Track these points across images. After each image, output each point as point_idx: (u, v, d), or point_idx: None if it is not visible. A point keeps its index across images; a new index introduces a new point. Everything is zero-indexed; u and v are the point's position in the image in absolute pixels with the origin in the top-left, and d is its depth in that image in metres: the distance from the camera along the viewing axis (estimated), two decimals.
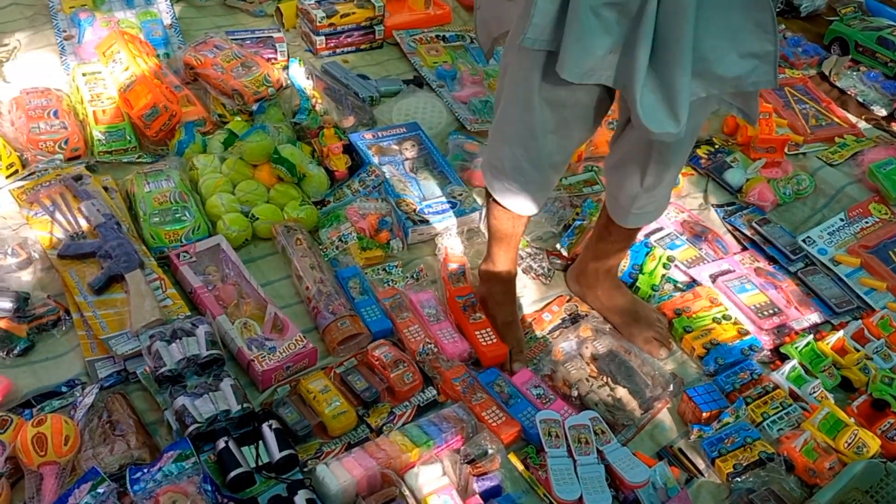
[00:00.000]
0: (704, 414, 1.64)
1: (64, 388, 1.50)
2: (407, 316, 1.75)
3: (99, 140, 2.02)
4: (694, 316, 1.86)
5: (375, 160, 2.09)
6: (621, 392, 1.66)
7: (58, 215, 1.79)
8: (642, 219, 1.68)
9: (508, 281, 1.77)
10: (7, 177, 1.90)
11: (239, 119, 2.14)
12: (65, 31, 2.36)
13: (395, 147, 2.15)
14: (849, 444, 1.62)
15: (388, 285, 1.84)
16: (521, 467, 1.48)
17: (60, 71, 2.28)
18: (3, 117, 2.04)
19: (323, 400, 1.54)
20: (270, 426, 1.44)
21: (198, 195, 1.92)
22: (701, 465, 1.61)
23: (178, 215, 1.84)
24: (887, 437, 1.67)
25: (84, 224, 1.77)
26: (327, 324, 1.69)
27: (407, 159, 2.13)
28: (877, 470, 1.56)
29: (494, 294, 1.76)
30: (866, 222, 2.33)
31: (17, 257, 1.70)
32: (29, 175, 1.91)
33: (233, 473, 1.35)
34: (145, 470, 1.31)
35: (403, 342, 1.71)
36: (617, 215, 1.66)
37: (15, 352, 1.55)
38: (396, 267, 1.89)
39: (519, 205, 1.59)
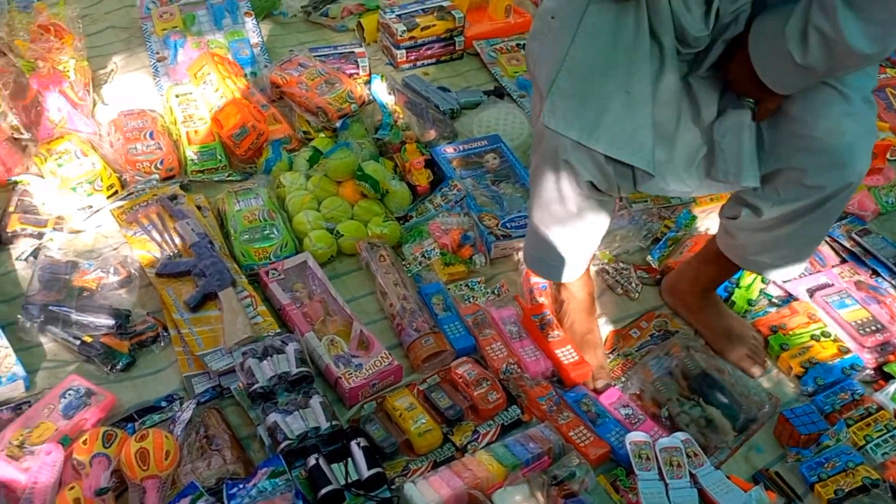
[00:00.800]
0: (802, 436, 1.57)
1: (163, 403, 1.56)
2: (489, 333, 1.75)
3: (192, 160, 2.10)
4: (791, 333, 1.79)
5: (457, 174, 2.09)
6: (714, 413, 1.61)
7: (154, 234, 1.87)
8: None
9: (585, 297, 1.74)
10: (108, 197, 1.99)
11: (323, 136, 2.19)
12: (158, 53, 2.46)
13: (478, 160, 2.15)
14: None
15: (471, 301, 1.84)
16: (610, 490, 1.46)
17: (154, 92, 2.38)
18: (102, 139, 2.14)
19: (409, 417, 1.55)
20: (359, 444, 1.46)
21: (285, 212, 1.97)
22: (799, 489, 1.55)
23: (266, 233, 1.88)
24: None
25: (179, 242, 1.83)
26: (411, 341, 1.70)
27: (489, 172, 2.13)
28: None
29: (572, 311, 1.73)
30: None
31: (118, 275, 1.78)
32: (127, 195, 1.99)
33: (324, 490, 1.38)
34: (241, 486, 1.35)
35: (486, 360, 1.71)
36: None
37: (118, 367, 1.62)
38: (479, 283, 1.89)
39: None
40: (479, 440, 1.56)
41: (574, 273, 1.64)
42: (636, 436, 1.51)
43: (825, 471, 1.53)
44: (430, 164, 2.11)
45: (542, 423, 1.58)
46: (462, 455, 1.52)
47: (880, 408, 1.67)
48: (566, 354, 1.69)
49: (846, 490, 1.50)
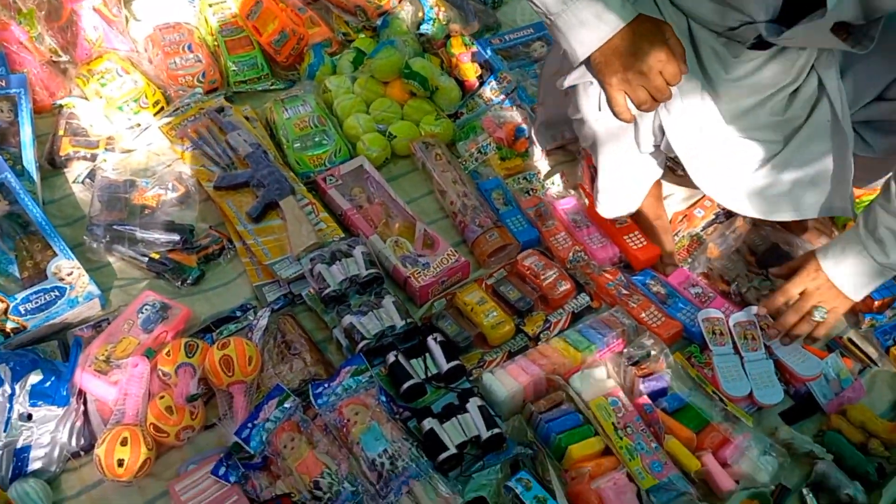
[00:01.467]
0: (876, 302, 1.57)
1: (238, 313, 1.59)
2: (553, 224, 1.74)
3: (233, 70, 2.06)
4: (859, 200, 1.75)
5: (505, 66, 2.04)
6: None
7: (207, 148, 1.86)
8: None
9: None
10: (154, 114, 1.98)
11: (364, 36, 2.13)
12: None
13: (525, 49, 2.09)
14: None
15: (531, 194, 1.82)
16: (686, 365, 1.47)
17: (186, 3, 2.32)
18: (141, 56, 2.11)
19: (480, 311, 1.56)
20: (436, 339, 1.48)
21: (335, 117, 1.94)
22: (874, 354, 1.55)
23: (318, 139, 1.87)
24: None
25: (233, 154, 1.83)
26: (476, 237, 1.70)
27: (537, 62, 2.07)
28: None
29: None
30: None
31: (176, 192, 1.78)
32: (174, 111, 1.97)
33: (406, 385, 1.41)
34: (326, 385, 1.38)
35: (551, 250, 1.71)
36: None
37: (189, 281, 1.64)
38: (537, 175, 1.87)
39: None
40: (552, 329, 1.58)
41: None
42: (708, 312, 1.52)
43: None
44: (477, 57, 2.06)
45: (613, 308, 1.59)
46: (535, 344, 1.54)
47: None
48: (634, 240, 1.68)
49: None
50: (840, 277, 1.37)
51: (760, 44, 1.27)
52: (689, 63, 1.26)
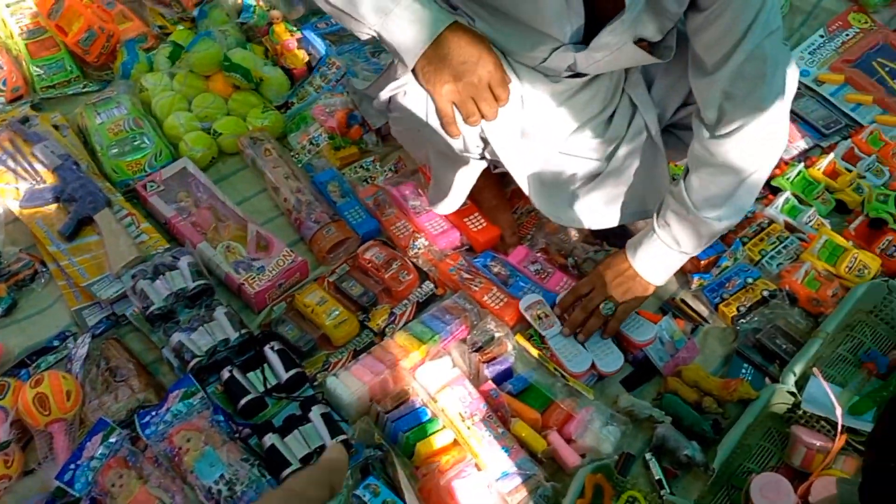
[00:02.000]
0: (702, 262, 1.63)
1: (56, 342, 1.47)
2: (392, 212, 1.70)
3: (39, 75, 1.90)
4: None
5: (334, 50, 1.97)
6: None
7: (10, 164, 1.70)
8: None
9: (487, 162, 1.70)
10: None
11: (181, 28, 2.01)
12: None
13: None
14: (850, 269, 1.62)
15: (368, 183, 1.78)
16: (528, 346, 1.48)
17: None
18: None
19: (322, 312, 1.51)
20: (273, 348, 1.42)
21: (153, 118, 1.82)
22: (705, 312, 1.61)
23: (136, 143, 1.75)
24: (887, 254, 1.67)
25: (41, 168, 1.68)
26: (312, 233, 1.64)
27: (367, 44, 2.01)
28: (879, 289, 1.56)
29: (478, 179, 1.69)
30: (847, 35, 2.25)
31: None
32: None
33: (243, 401, 1.35)
34: (154, 413, 1.30)
35: (393, 240, 1.67)
36: None
37: None
38: (374, 162, 1.82)
39: None
40: (397, 321, 1.55)
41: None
42: (528, 301, 1.52)
43: (727, 290, 1.60)
44: (304, 43, 1.98)
45: (457, 293, 1.57)
46: (381, 339, 1.51)
47: (771, 221, 1.73)
48: (473, 222, 1.67)
49: (748, 305, 1.57)
50: (640, 263, 1.44)
51: (575, 74, 1.33)
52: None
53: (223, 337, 1.42)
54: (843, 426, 1.35)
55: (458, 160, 1.37)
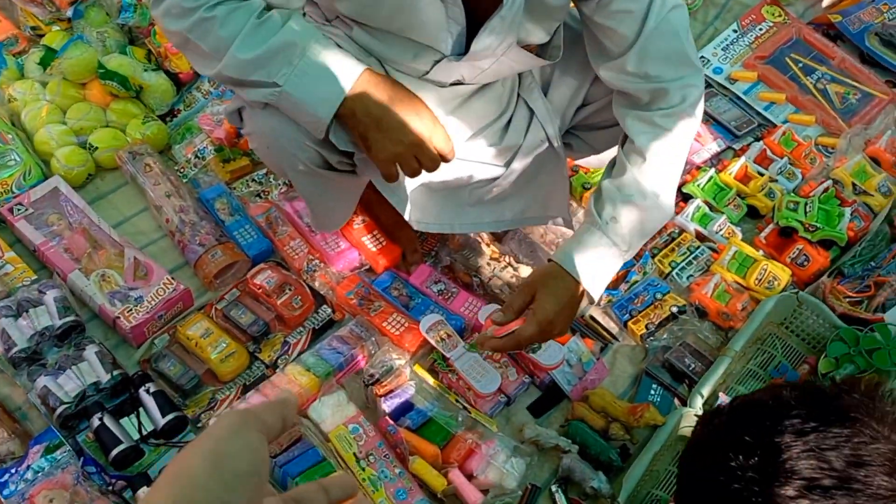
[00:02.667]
0: None
1: None
2: (286, 231, 1.59)
3: None
4: (591, 172, 1.74)
5: None
6: (525, 271, 1.56)
7: None
8: None
9: None
10: None
11: (56, 29, 1.84)
12: None
13: None
14: (759, 281, 1.58)
15: (261, 198, 1.66)
16: (426, 376, 1.40)
17: None
18: None
19: (207, 345, 1.40)
20: (148, 390, 1.31)
21: (22, 132, 1.67)
22: (615, 329, 1.56)
23: (3, 161, 1.59)
24: (797, 263, 1.64)
25: None
26: (197, 258, 1.52)
27: None
28: (789, 302, 1.53)
29: (372, 194, 1.60)
30: (760, 29, 2.21)
31: None
32: None
33: (114, 452, 1.24)
34: (13, 471, 1.18)
35: (287, 261, 1.57)
36: None
37: None
38: (267, 175, 1.70)
39: None
40: (291, 351, 1.45)
41: None
42: (428, 322, 1.43)
43: (635, 307, 1.54)
44: None
45: (354, 319, 1.48)
46: (274, 372, 1.41)
47: (682, 230, 1.68)
48: (373, 241, 1.57)
49: (656, 322, 1.52)
50: (586, 274, 1.22)
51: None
52: None
53: (93, 380, 1.30)
54: None
55: (328, 178, 1.26)
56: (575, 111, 1.38)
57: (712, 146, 1.88)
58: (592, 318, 1.56)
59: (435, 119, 1.14)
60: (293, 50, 1.06)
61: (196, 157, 1.68)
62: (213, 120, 1.72)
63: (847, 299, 1.57)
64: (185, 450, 0.43)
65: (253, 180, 1.70)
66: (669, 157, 1.24)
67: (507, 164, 1.35)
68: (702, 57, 2.10)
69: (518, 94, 1.34)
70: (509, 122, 1.35)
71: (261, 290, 1.49)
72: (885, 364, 1.41)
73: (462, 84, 1.26)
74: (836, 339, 1.46)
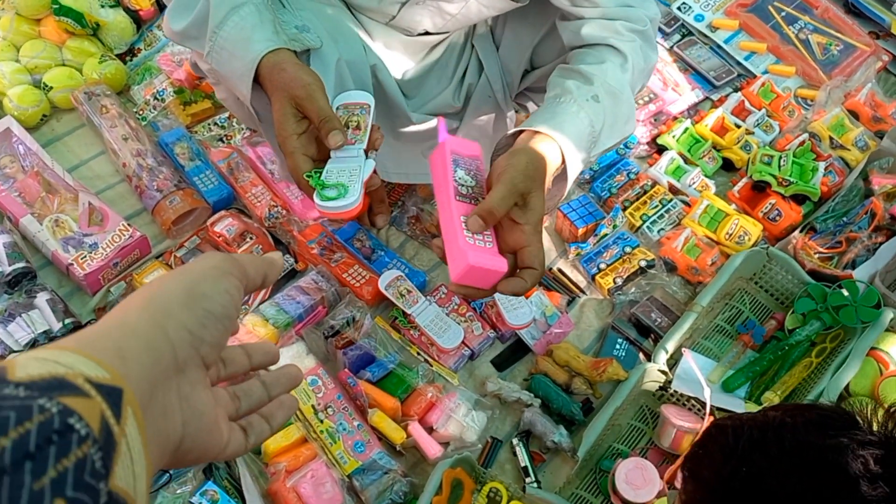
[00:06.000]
0: (580, 230, 1.54)
1: None
2: (248, 177, 1.55)
3: None
4: None
5: None
6: None
7: None
8: None
9: None
10: None
11: None
12: None
13: None
14: (730, 235, 1.56)
15: (223, 143, 1.61)
16: (389, 330, 1.38)
17: None
18: None
19: None
20: None
21: None
22: (583, 283, 1.53)
23: None
24: (769, 218, 1.62)
25: None
26: (155, 204, 1.47)
27: None
28: (758, 257, 1.51)
29: None
30: None
31: None
32: None
33: None
34: None
35: (248, 208, 1.52)
36: None
37: None
38: (229, 119, 1.65)
39: None
40: (251, 301, 1.41)
41: None
42: (386, 278, 1.40)
43: (604, 261, 1.52)
44: None
45: (316, 269, 1.45)
46: None
47: (655, 183, 1.65)
48: None
49: (624, 276, 1.50)
50: (559, 135, 0.98)
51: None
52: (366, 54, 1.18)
53: (44, 328, 1.27)
54: (712, 406, 1.30)
55: None
56: (526, 73, 1.34)
57: (690, 96, 1.84)
58: (560, 270, 1.54)
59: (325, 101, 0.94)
60: (213, 22, 0.99)
61: (155, 98, 1.62)
62: (174, 60, 1.65)
63: (818, 255, 1.56)
64: (166, 275, 0.43)
65: (215, 124, 1.64)
66: (640, 68, 1.13)
67: (461, 118, 1.31)
68: (683, 3, 2.04)
69: (472, 47, 1.30)
70: (464, 75, 1.32)
71: (221, 239, 1.45)
72: (851, 321, 1.40)
73: (429, 35, 1.22)
74: (803, 295, 1.45)
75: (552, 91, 1.06)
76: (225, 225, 1.46)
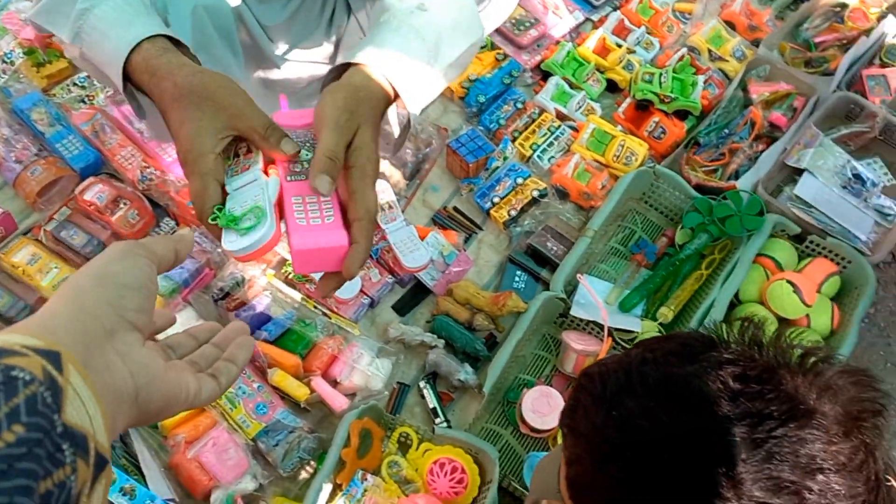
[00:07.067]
0: (471, 165, 1.52)
1: None
2: (115, 139, 1.45)
3: None
4: None
5: None
6: (383, 164, 1.49)
7: None
8: None
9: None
10: None
11: None
12: None
13: None
14: (617, 157, 1.57)
15: (85, 104, 1.50)
16: (282, 284, 1.33)
17: None
18: None
19: (35, 272, 1.28)
20: None
21: None
22: (479, 219, 1.52)
23: None
24: (654, 136, 1.63)
25: None
26: (15, 176, 1.37)
27: None
28: (646, 177, 1.53)
29: None
30: None
31: None
32: None
33: None
34: None
35: (119, 172, 1.43)
36: None
37: None
38: (90, 78, 1.53)
39: None
40: None
41: None
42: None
43: (497, 194, 1.51)
44: None
45: (198, 229, 1.38)
46: None
47: (542, 111, 1.64)
48: None
49: (518, 208, 1.49)
50: (384, 64, 0.85)
51: None
52: None
53: None
54: (610, 327, 1.33)
55: None
56: None
57: (570, 19, 1.82)
58: (455, 208, 1.52)
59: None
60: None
61: (3, 62, 1.49)
62: (20, 18, 1.52)
63: (703, 169, 1.59)
64: (74, 274, 0.46)
65: (74, 84, 1.52)
66: None
67: (331, 60, 1.26)
68: None
69: None
70: (332, 17, 1.26)
71: (92, 207, 1.36)
72: (737, 231, 1.44)
73: None
74: (691, 209, 1.48)
75: (377, 17, 0.97)
76: (95, 192, 1.37)
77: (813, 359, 0.52)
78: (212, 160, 0.71)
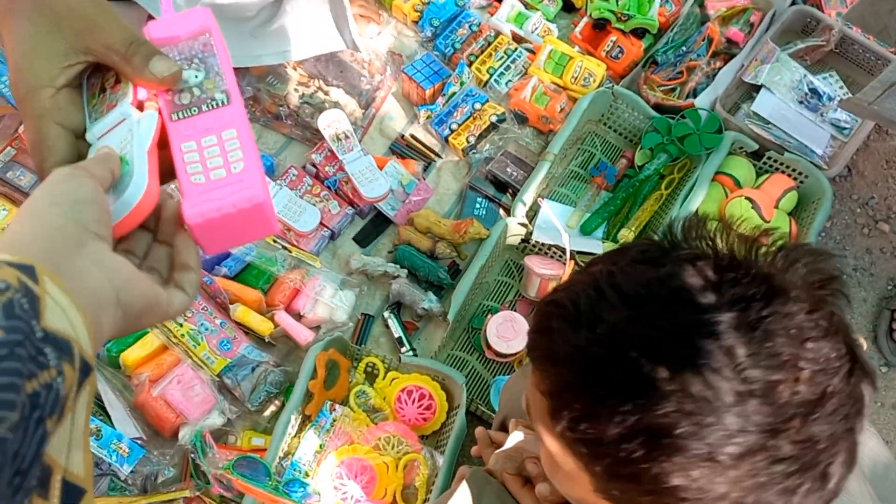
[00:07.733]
0: (427, 91, 1.49)
1: None
2: None
3: None
4: None
5: None
6: (337, 94, 1.45)
7: None
8: None
9: None
10: None
11: None
12: None
13: None
14: (575, 79, 1.55)
15: None
16: None
17: None
18: None
19: None
20: None
21: None
22: (437, 146, 1.50)
23: None
24: (612, 56, 1.61)
25: None
26: None
27: None
28: (604, 98, 1.52)
29: None
30: None
31: None
32: None
33: None
34: None
35: None
36: None
37: None
38: None
39: None
40: None
41: None
42: (327, 117, 1.39)
43: (455, 121, 1.48)
44: None
45: None
46: None
47: (498, 33, 1.60)
48: None
49: (477, 134, 1.48)
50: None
51: None
52: None
53: None
54: (571, 252, 1.33)
55: None
56: None
57: None
58: (413, 136, 1.50)
59: None
60: None
61: None
62: None
63: (661, 88, 1.58)
64: (26, 201, 0.46)
65: None
66: None
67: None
68: None
69: None
70: None
71: None
72: (696, 150, 1.44)
73: None
74: (649, 129, 1.48)
75: None
76: None
77: (767, 240, 0.54)
78: (48, 97, 0.51)
